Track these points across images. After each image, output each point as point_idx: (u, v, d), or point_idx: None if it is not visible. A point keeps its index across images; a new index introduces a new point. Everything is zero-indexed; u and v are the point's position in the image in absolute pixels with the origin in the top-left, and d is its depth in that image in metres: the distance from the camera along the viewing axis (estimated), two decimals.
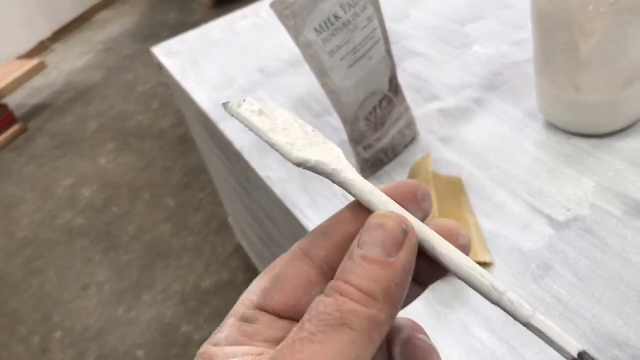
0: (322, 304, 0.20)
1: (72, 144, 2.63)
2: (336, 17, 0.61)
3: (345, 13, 0.62)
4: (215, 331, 0.23)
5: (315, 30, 0.61)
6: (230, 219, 1.56)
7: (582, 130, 0.63)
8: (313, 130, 0.26)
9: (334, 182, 0.25)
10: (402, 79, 0.82)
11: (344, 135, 0.67)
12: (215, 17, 1.25)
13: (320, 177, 0.25)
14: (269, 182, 0.73)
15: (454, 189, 0.61)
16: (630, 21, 0.55)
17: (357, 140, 0.66)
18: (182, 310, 1.51)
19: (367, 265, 0.21)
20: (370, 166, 0.68)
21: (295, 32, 0.60)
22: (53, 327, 1.67)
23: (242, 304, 0.24)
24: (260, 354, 0.21)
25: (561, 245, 0.54)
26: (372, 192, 0.24)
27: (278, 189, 0.72)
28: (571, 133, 0.64)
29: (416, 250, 0.22)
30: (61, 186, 2.33)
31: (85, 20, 4.17)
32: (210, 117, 0.91)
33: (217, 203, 1.82)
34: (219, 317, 1.50)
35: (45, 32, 3.96)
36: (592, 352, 0.45)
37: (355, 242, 0.22)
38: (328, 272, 0.24)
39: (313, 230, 0.25)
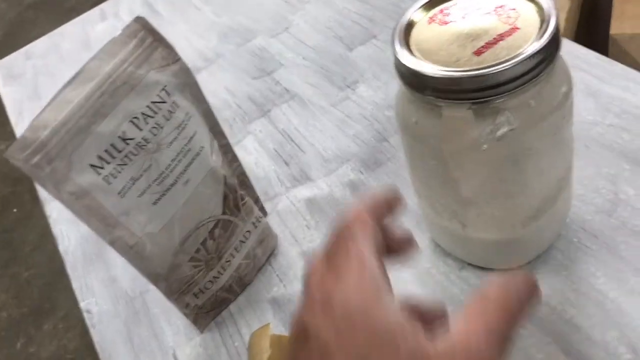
0: None
1: None
2: (125, 139, 0.43)
3: (140, 129, 0.43)
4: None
5: (93, 167, 0.42)
6: None
7: (474, 262, 0.47)
8: None
9: None
10: (271, 141, 0.64)
11: None
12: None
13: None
14: (87, 318, 0.56)
15: None
16: (528, 156, 0.37)
17: (182, 291, 0.49)
18: (86, 342, 1.35)
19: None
20: (209, 311, 0.51)
21: (55, 183, 0.41)
22: None
23: None
24: None
25: None
26: None
27: (97, 329, 0.55)
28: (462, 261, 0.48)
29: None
30: None
31: None
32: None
33: None
34: None
35: None
36: None
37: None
38: None
39: None
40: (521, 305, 0.26)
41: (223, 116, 0.71)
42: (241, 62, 0.79)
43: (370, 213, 0.30)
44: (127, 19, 0.93)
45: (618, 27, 1.27)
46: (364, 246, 0.28)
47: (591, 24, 1.45)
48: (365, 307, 0.25)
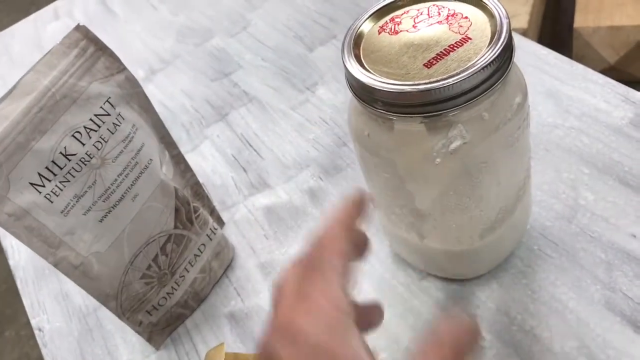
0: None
1: None
2: (67, 155, 0.41)
3: (83, 144, 0.41)
4: None
5: (34, 185, 0.40)
6: None
7: (434, 272, 0.46)
8: None
9: None
10: (228, 146, 0.62)
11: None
12: None
13: None
14: (39, 337, 0.54)
15: None
16: (484, 169, 0.36)
17: (134, 309, 0.47)
18: None
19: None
20: (164, 328, 0.50)
21: None
22: None
23: None
24: None
25: None
26: None
27: (48, 348, 0.53)
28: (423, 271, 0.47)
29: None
30: None
31: None
32: None
33: None
34: None
35: None
36: None
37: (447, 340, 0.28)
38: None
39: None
40: (468, 351, 0.28)
41: (180, 120, 0.69)
42: (199, 63, 0.76)
43: (342, 225, 0.30)
44: (82, 18, 0.91)
45: (581, 20, 1.27)
46: (335, 276, 0.28)
47: (556, 18, 1.45)
48: (332, 346, 0.26)
